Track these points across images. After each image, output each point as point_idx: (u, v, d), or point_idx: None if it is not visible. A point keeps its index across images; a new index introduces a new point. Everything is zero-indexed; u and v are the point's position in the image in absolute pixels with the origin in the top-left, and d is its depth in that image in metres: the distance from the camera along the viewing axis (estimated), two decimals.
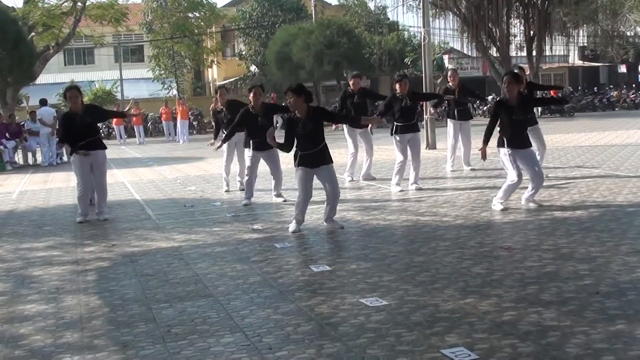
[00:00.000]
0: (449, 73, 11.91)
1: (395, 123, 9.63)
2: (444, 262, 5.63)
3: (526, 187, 7.89)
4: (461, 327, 4.02)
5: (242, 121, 9.06)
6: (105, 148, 8.83)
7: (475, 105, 33.71)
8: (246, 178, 9.43)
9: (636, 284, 4.72)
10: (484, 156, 7.74)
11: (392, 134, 9.71)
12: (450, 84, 11.63)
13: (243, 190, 9.87)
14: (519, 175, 7.62)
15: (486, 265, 5.46)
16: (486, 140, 7.71)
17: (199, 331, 4.24)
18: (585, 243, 6.00)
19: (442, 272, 5.30)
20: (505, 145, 7.57)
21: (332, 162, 7.24)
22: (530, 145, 7.84)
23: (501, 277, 5.06)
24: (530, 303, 4.40)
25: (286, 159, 8.60)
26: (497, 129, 7.74)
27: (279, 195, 9.45)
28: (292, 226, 7.27)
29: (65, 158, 18.35)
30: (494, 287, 4.83)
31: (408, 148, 9.66)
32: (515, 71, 8.78)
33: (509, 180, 7.70)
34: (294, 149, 7.21)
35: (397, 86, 9.57)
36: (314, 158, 7.13)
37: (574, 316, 4.11)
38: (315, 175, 7.23)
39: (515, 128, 7.57)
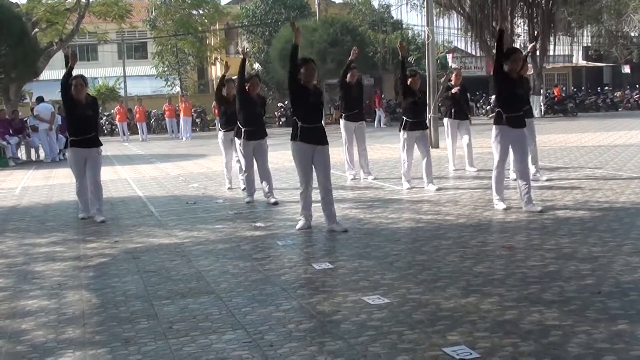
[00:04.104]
0: (454, 72, 11.87)
1: (404, 118, 9.57)
2: (445, 260, 5.63)
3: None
4: (463, 326, 4.02)
5: (242, 99, 8.94)
6: (101, 145, 8.65)
7: (478, 105, 33.69)
8: (245, 174, 9.38)
9: (638, 284, 4.71)
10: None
11: (400, 130, 9.67)
12: (452, 82, 11.59)
13: (244, 189, 9.88)
14: (503, 161, 7.67)
15: (488, 264, 5.45)
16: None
17: (200, 328, 4.25)
18: (588, 243, 5.99)
19: (444, 271, 5.30)
20: (504, 122, 7.52)
21: (328, 143, 7.14)
22: (525, 126, 7.79)
23: (503, 277, 5.06)
24: (532, 302, 4.40)
25: (276, 159, 8.59)
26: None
27: (270, 195, 9.11)
28: (299, 223, 7.18)
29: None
30: (495, 286, 4.83)
31: (415, 146, 9.61)
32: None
33: (494, 169, 7.73)
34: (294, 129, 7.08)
35: (409, 81, 9.52)
36: (316, 134, 7.02)
37: (575, 316, 4.11)
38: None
39: (515, 103, 7.57)
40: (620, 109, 33.68)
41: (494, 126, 7.71)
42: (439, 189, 9.44)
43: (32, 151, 20.27)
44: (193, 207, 9.20)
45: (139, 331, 4.25)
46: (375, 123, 29.68)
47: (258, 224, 7.66)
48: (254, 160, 9.29)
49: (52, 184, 13.12)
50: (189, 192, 10.81)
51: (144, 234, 7.54)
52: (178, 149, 21.48)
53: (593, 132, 19.20)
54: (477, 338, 3.82)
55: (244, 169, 9.47)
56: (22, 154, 20.13)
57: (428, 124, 10.03)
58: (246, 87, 9.03)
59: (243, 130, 9.08)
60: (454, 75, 11.68)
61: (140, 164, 16.41)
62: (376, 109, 30.48)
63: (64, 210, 9.64)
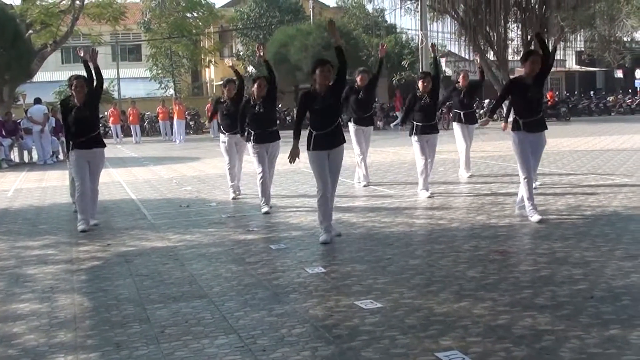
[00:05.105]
0: (461, 74, 11.84)
1: (414, 123, 9.39)
2: (438, 265, 5.64)
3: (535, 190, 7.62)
4: (455, 331, 4.02)
5: (244, 113, 8.87)
6: (104, 146, 8.34)
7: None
8: (260, 181, 8.71)
9: (630, 288, 4.73)
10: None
11: (410, 135, 9.58)
12: (461, 83, 11.52)
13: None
14: (527, 166, 7.27)
15: (481, 268, 5.46)
16: (492, 114, 7.69)
17: (193, 332, 4.23)
18: (580, 247, 6.01)
19: (437, 275, 5.30)
20: (521, 128, 7.26)
21: (344, 141, 6.91)
22: (541, 130, 7.46)
23: (496, 281, 5.06)
24: (524, 307, 4.41)
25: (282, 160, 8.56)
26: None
27: (265, 204, 8.73)
28: (322, 236, 6.77)
29: (61, 157, 18.32)
30: (488, 290, 4.83)
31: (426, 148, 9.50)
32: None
33: (522, 178, 7.35)
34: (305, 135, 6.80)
35: (420, 83, 9.45)
36: (330, 138, 6.76)
37: (568, 320, 4.12)
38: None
39: (530, 108, 7.32)
40: (613, 114, 33.80)
41: (512, 132, 7.41)
42: (431, 196, 9.21)
43: (25, 153, 20.19)
44: (186, 211, 9.18)
45: (131, 335, 4.24)
46: (393, 125, 29.52)
47: (251, 228, 7.65)
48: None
49: (45, 186, 13.08)
50: (182, 195, 10.79)
51: (136, 237, 7.52)
52: (171, 152, 21.43)
53: (586, 137, 19.26)
54: (469, 343, 3.82)
55: (259, 176, 8.79)
56: (14, 155, 20.05)
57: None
58: (252, 88, 8.83)
59: (253, 134, 8.76)
60: (461, 77, 11.64)
61: (134, 167, 16.36)
62: (397, 111, 30.24)
63: (57, 213, 9.61)
